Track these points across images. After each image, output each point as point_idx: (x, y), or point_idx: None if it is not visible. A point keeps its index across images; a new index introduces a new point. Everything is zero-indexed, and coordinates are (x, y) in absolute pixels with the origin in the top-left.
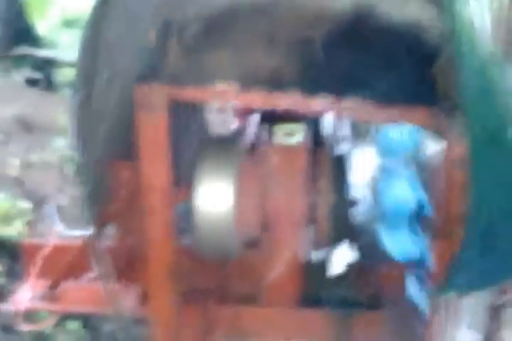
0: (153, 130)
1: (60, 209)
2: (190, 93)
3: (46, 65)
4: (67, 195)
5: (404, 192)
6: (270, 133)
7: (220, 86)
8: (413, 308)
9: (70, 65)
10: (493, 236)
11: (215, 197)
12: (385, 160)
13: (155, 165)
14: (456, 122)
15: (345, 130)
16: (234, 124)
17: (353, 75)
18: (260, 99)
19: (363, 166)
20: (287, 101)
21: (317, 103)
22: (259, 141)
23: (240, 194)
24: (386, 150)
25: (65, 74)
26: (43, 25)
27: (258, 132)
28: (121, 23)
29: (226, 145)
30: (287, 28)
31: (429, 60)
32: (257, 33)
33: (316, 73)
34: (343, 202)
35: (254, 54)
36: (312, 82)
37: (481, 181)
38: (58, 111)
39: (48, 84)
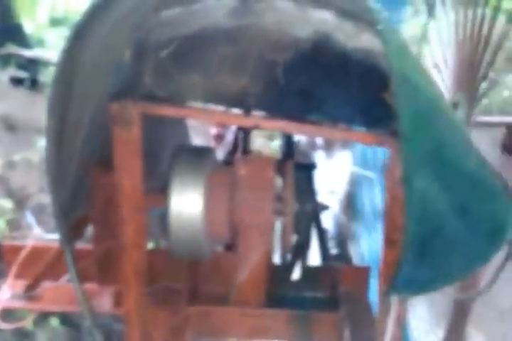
0: (127, 143)
1: (42, 209)
2: (162, 110)
3: (32, 65)
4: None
5: (379, 199)
6: (248, 139)
7: (192, 104)
8: (370, 309)
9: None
10: (425, 249)
11: (186, 203)
12: (360, 168)
13: (128, 175)
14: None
15: (320, 138)
16: (213, 130)
17: (313, 97)
18: (227, 118)
19: (337, 173)
20: (252, 120)
21: (278, 122)
22: (237, 147)
23: (211, 200)
24: (361, 159)
25: (51, 74)
26: (30, 24)
27: (236, 138)
28: (96, 46)
29: (199, 154)
30: (252, 52)
31: (383, 84)
32: (224, 56)
33: (279, 94)
34: (308, 208)
35: (222, 75)
36: (275, 103)
37: (414, 198)
38: (43, 111)
39: (33, 84)
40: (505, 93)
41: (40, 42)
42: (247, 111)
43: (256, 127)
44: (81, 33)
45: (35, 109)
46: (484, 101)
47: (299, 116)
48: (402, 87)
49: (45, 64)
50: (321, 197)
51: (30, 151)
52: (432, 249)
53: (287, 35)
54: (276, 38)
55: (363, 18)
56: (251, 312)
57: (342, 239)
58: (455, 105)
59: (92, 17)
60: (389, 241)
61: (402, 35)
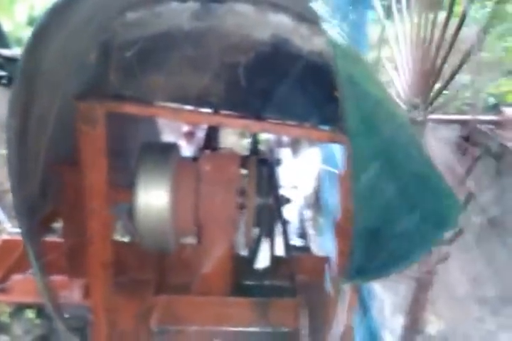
0: (93, 141)
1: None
2: (127, 109)
3: (9, 63)
4: None
5: None
6: (217, 137)
7: (157, 103)
8: (326, 295)
9: None
10: (375, 239)
11: (152, 197)
12: (327, 165)
13: (94, 172)
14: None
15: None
16: (184, 128)
17: (272, 96)
18: (190, 117)
19: (302, 170)
20: (215, 119)
21: (239, 121)
22: (207, 145)
23: (176, 195)
24: (329, 156)
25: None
26: (8, 23)
27: (207, 135)
28: (60, 46)
29: (164, 150)
30: (214, 54)
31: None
32: (187, 57)
33: (240, 94)
34: (270, 202)
35: (185, 75)
36: (237, 102)
37: (362, 191)
38: None
39: (10, 82)
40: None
41: (18, 41)
42: (212, 110)
43: (219, 125)
44: (42, 33)
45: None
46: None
47: (259, 114)
48: (347, 86)
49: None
50: (285, 192)
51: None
52: (381, 239)
53: (247, 38)
54: (236, 40)
55: (316, 23)
56: (214, 301)
57: (304, 231)
58: (414, 106)
59: (52, 17)
60: (341, 231)
61: (349, 42)
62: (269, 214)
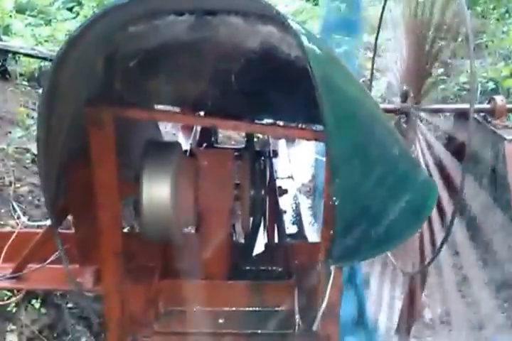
0: (102, 142)
1: (19, 198)
2: (131, 113)
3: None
4: (25, 184)
5: None
6: (216, 130)
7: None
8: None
9: (24, 54)
10: (355, 226)
11: (156, 191)
12: (322, 155)
13: (104, 169)
14: None
15: None
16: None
17: (263, 99)
18: (188, 120)
19: (298, 160)
20: (210, 121)
21: (231, 123)
22: (204, 138)
23: (178, 189)
24: (322, 145)
25: (20, 64)
26: None
27: (203, 129)
28: (74, 62)
29: (166, 147)
30: (209, 62)
31: None
32: (184, 65)
33: (233, 98)
34: (264, 194)
35: (183, 82)
36: (231, 105)
37: (341, 188)
38: (14, 101)
39: (2, 74)
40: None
41: (6, 29)
42: (207, 113)
43: (213, 127)
44: (62, 59)
45: (5, 99)
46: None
47: (250, 116)
48: (323, 87)
49: (13, 53)
50: (282, 182)
51: (4, 142)
52: (363, 226)
53: (239, 46)
54: (229, 48)
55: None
56: (213, 284)
57: (299, 218)
58: (404, 95)
59: (69, 45)
60: (326, 219)
61: (327, 45)
62: (262, 205)
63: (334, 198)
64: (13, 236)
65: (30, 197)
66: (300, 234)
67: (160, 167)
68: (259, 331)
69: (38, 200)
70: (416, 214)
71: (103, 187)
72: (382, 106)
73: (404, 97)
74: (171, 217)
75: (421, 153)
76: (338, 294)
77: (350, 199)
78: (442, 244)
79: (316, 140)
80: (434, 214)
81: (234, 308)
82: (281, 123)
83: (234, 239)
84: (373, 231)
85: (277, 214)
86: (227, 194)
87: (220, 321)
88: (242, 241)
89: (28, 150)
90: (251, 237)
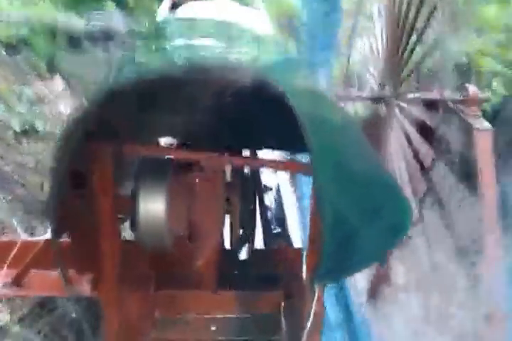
0: (101, 173)
1: (4, 177)
2: (127, 149)
3: None
4: (9, 163)
5: None
6: None
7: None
8: (303, 285)
9: None
10: (341, 247)
11: (151, 206)
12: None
13: (103, 196)
14: None
15: None
16: None
17: (252, 130)
18: (175, 154)
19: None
20: (200, 156)
21: (224, 159)
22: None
23: (172, 203)
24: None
25: None
26: None
27: None
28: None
29: (160, 166)
30: (201, 98)
31: None
32: (178, 99)
33: (225, 129)
34: (253, 208)
35: (177, 117)
36: (223, 136)
37: (326, 210)
38: None
39: None
40: None
41: None
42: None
43: (207, 162)
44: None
45: None
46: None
47: (239, 146)
48: (307, 120)
49: None
50: (266, 179)
51: None
52: (347, 247)
53: (229, 82)
54: (219, 84)
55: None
56: (206, 294)
57: (282, 217)
58: (382, 85)
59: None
60: (312, 242)
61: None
62: (251, 218)
63: (321, 221)
64: (17, 246)
65: (15, 176)
66: (284, 234)
67: (154, 185)
68: (248, 337)
69: (23, 179)
70: (395, 233)
71: (104, 210)
72: (362, 94)
73: (383, 86)
74: (164, 230)
75: (397, 138)
76: (321, 307)
77: (335, 220)
78: (414, 221)
79: (300, 172)
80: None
81: (224, 316)
82: (267, 155)
83: (223, 246)
84: (358, 250)
85: (263, 214)
86: (219, 209)
87: (213, 328)
88: (230, 248)
89: (10, 128)
90: (239, 245)
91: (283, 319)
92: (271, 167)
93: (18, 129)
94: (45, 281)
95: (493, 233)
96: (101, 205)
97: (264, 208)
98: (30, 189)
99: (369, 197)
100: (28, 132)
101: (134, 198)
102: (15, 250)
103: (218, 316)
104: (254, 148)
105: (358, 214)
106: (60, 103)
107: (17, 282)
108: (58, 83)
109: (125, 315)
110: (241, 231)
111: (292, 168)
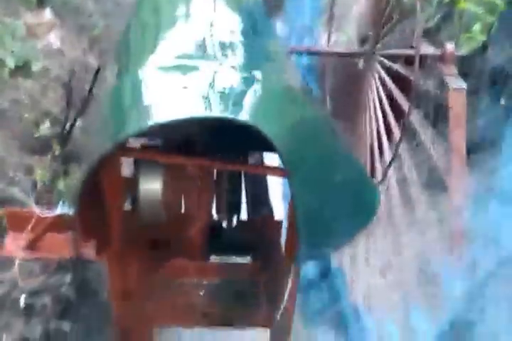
0: (112, 179)
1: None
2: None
3: None
4: (6, 100)
5: None
6: None
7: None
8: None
9: None
10: (314, 234)
11: (149, 185)
12: None
13: (114, 200)
14: None
15: None
16: None
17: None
18: (179, 160)
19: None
20: (198, 162)
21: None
22: None
23: (166, 188)
24: None
25: None
26: None
27: None
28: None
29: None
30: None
31: None
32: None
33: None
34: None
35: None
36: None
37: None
38: None
39: None
40: None
41: None
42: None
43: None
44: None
45: None
46: None
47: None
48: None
49: None
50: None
51: None
52: (320, 234)
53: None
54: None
55: None
56: (195, 264)
57: (265, 190)
58: (364, 40)
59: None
60: (290, 223)
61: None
62: (237, 196)
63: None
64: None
65: (12, 113)
66: (269, 209)
67: (152, 173)
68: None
69: (20, 115)
70: (367, 215)
71: (113, 202)
72: (342, 50)
73: (363, 41)
74: (159, 206)
75: (375, 89)
76: (295, 286)
77: (312, 207)
78: (390, 163)
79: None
80: (384, 138)
81: (209, 282)
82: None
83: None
84: (330, 235)
85: (249, 192)
86: (208, 184)
87: (201, 293)
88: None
89: (3, 63)
90: (226, 217)
91: (262, 285)
92: (259, 171)
93: (12, 66)
94: (54, 244)
95: (460, 172)
96: (110, 185)
97: (248, 180)
98: (27, 126)
99: (342, 183)
100: (23, 69)
101: (135, 179)
102: (32, 221)
103: (202, 281)
104: (248, 150)
105: (332, 198)
106: (52, 36)
107: (31, 246)
108: (49, 15)
109: (127, 276)
110: (227, 203)
111: (278, 173)
